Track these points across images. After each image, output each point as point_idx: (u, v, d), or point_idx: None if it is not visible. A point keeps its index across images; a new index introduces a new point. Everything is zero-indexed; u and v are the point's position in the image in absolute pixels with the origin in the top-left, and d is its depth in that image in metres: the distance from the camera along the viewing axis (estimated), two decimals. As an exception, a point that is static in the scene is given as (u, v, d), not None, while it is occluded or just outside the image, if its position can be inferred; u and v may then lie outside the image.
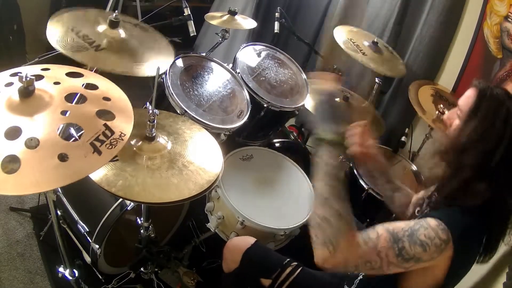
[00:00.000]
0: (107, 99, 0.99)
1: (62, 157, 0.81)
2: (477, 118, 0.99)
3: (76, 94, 0.96)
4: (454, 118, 1.07)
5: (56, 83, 0.96)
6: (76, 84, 1.00)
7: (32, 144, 0.81)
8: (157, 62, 1.43)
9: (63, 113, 0.89)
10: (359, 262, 0.91)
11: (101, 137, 0.87)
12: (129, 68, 1.35)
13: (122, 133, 0.90)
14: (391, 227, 0.94)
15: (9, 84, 0.91)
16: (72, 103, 0.93)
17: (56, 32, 1.28)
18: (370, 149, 1.28)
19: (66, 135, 0.90)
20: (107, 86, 1.04)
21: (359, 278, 1.23)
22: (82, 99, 0.95)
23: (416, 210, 1.18)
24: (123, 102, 1.01)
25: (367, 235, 0.93)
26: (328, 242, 0.90)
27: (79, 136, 0.87)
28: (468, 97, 1.04)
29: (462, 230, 0.93)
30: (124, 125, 0.93)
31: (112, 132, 0.89)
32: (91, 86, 1.01)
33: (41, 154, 0.80)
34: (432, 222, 0.92)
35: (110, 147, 0.86)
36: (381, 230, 0.94)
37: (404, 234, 0.92)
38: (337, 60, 2.14)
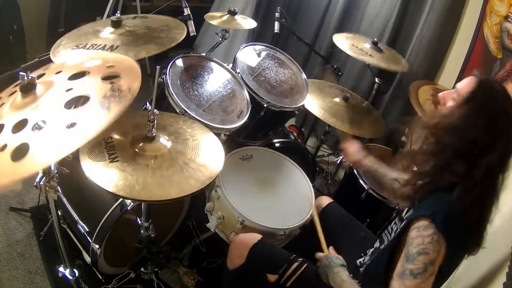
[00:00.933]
0: (110, 66, 0.99)
1: (70, 125, 0.82)
2: (470, 105, 1.02)
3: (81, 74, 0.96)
4: (449, 99, 1.10)
5: (58, 72, 0.98)
6: (78, 64, 1.02)
7: (38, 126, 0.83)
8: (174, 32, 1.48)
9: (68, 90, 0.90)
10: None
11: (109, 94, 0.88)
12: (157, 45, 1.38)
13: (130, 88, 0.91)
14: (394, 275, 1.01)
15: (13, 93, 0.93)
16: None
17: (65, 56, 1.29)
18: (363, 162, 1.58)
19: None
20: (108, 56, 1.05)
21: (361, 269, 1.25)
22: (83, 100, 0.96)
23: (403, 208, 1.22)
24: (127, 62, 1.02)
25: None
26: None
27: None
28: (467, 84, 1.06)
29: (443, 214, 0.96)
30: (130, 80, 0.93)
31: (120, 88, 0.90)
32: (93, 61, 1.03)
33: (48, 130, 0.82)
34: (411, 233, 0.99)
35: (120, 101, 0.87)
36: (393, 285, 1.00)
37: (403, 264, 0.98)
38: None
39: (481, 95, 1.02)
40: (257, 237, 1.40)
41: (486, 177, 0.99)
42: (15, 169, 0.76)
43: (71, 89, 0.90)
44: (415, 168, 1.13)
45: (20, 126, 0.83)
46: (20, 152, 0.79)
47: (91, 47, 1.33)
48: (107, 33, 1.42)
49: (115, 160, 1.11)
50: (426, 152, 1.09)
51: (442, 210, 0.97)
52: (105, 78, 0.94)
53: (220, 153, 1.29)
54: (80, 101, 0.89)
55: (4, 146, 0.80)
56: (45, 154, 0.79)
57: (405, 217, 1.13)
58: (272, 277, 1.30)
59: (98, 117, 0.83)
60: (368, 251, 1.35)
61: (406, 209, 1.20)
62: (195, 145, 1.28)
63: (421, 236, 0.96)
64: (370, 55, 2.21)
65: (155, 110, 1.17)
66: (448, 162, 1.02)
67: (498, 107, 1.00)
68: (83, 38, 1.40)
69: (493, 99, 1.01)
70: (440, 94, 1.15)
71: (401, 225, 1.10)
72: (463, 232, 1.00)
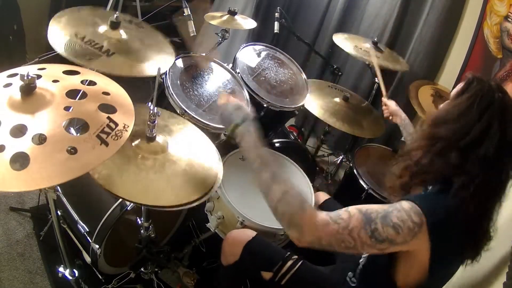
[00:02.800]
0: (106, 93, 1.00)
1: (71, 151, 0.83)
2: (461, 98, 1.03)
3: (78, 91, 0.97)
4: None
5: (55, 81, 0.98)
6: (75, 82, 1.01)
7: (40, 140, 0.82)
8: (160, 59, 1.46)
9: (66, 108, 0.90)
10: (333, 241, 0.91)
11: (106, 129, 0.90)
12: (140, 70, 1.37)
13: (125, 124, 0.93)
14: (364, 208, 0.95)
15: (8, 85, 0.92)
16: (74, 99, 0.94)
17: (60, 38, 1.28)
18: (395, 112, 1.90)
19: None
20: (104, 82, 1.06)
21: (358, 268, 1.24)
22: (83, 95, 0.96)
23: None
24: (122, 96, 1.03)
25: (338, 214, 0.93)
26: (292, 225, 0.92)
27: (82, 131, 0.89)
28: (458, 86, 1.09)
29: (438, 213, 0.94)
30: (126, 117, 0.95)
31: (116, 124, 0.92)
32: (89, 83, 1.03)
33: (50, 149, 0.81)
34: (405, 204, 0.94)
35: (116, 138, 0.89)
36: (354, 210, 0.94)
37: (377, 215, 0.92)
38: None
39: (471, 88, 1.03)
40: (251, 234, 1.38)
41: (486, 172, 0.97)
42: (13, 177, 0.76)
43: (70, 107, 0.91)
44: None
45: (19, 131, 0.83)
46: (20, 161, 0.78)
47: (88, 44, 1.32)
48: (102, 31, 1.41)
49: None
50: (419, 143, 1.09)
51: (440, 214, 0.94)
52: (102, 109, 0.95)
53: (217, 161, 1.30)
54: (79, 124, 0.90)
55: (2, 147, 0.80)
56: (44, 175, 0.78)
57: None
58: (267, 275, 1.30)
59: (98, 151, 0.85)
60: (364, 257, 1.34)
61: None
62: (194, 152, 1.29)
63: (409, 215, 0.91)
64: (376, 57, 2.21)
65: (158, 111, 1.17)
66: (441, 152, 1.01)
67: (488, 96, 1.00)
68: (82, 25, 1.37)
69: (483, 90, 1.01)
70: (439, 107, 1.17)
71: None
72: (456, 239, 0.98)
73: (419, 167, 1.05)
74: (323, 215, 0.93)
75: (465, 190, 0.96)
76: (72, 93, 0.95)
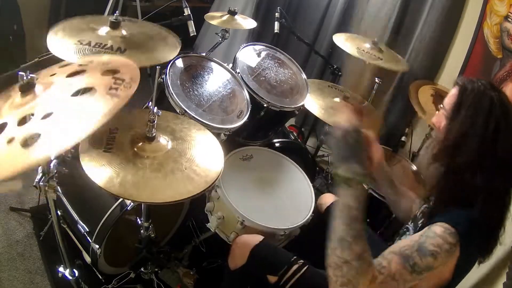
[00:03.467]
0: (106, 63, 1.02)
1: (82, 111, 0.84)
2: (461, 113, 1.01)
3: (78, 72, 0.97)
4: (441, 119, 1.09)
5: (52, 74, 0.99)
6: (72, 67, 1.03)
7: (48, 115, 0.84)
8: (167, 45, 1.49)
9: (70, 85, 0.92)
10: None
11: (114, 86, 0.91)
12: (155, 58, 1.39)
13: (131, 78, 0.94)
14: (397, 248, 0.94)
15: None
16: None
17: (66, 49, 1.27)
18: (379, 161, 1.28)
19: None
20: (102, 58, 1.07)
21: None
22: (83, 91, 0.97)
23: (419, 215, 1.17)
24: (122, 59, 1.05)
25: (380, 264, 0.92)
26: (348, 283, 0.87)
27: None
28: (450, 96, 1.07)
29: (467, 228, 0.93)
30: (130, 73, 0.97)
31: (123, 79, 0.93)
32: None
33: (58, 118, 0.83)
34: (438, 229, 0.93)
35: (128, 86, 0.90)
36: (391, 255, 0.93)
37: (412, 250, 0.92)
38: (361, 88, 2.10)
39: (466, 99, 1.01)
40: (259, 238, 1.40)
41: (503, 177, 0.97)
42: (26, 155, 0.77)
43: (73, 84, 0.92)
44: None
45: (25, 120, 0.85)
46: (31, 141, 0.80)
47: (97, 46, 1.32)
48: (107, 33, 1.41)
49: (108, 150, 1.12)
50: (443, 181, 1.05)
51: (468, 226, 0.94)
52: (105, 74, 0.96)
53: (219, 155, 1.29)
54: (86, 92, 0.90)
55: (12, 139, 0.81)
56: (61, 138, 0.80)
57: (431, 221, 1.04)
58: (272, 279, 1.30)
59: (108, 102, 0.85)
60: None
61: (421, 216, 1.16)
62: (195, 146, 1.28)
63: (444, 239, 0.91)
64: (380, 58, 2.21)
65: (158, 111, 1.17)
66: (465, 180, 0.98)
67: (487, 100, 0.99)
68: (80, 34, 1.38)
69: (479, 97, 1.00)
70: (432, 120, 1.13)
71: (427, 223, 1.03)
72: (478, 247, 0.99)
73: (448, 202, 1.02)
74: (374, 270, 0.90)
75: (488, 203, 0.96)
76: (73, 75, 0.97)
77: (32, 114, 0.85)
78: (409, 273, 0.91)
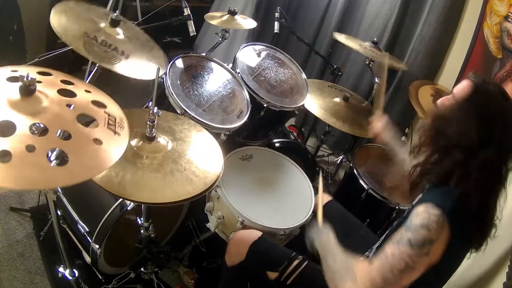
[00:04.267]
0: (87, 91, 1.02)
1: (97, 141, 0.87)
2: (466, 107, 1.04)
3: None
4: (446, 101, 1.13)
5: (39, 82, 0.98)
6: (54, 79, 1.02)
7: (65, 135, 0.85)
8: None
9: (68, 106, 0.92)
10: (384, 274, 0.94)
11: (111, 122, 0.94)
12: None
13: (120, 117, 0.98)
14: (391, 238, 1.00)
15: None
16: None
17: (74, 38, 1.27)
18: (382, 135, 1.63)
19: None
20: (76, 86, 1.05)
21: None
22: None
23: None
24: (101, 94, 1.05)
25: (378, 255, 0.99)
26: (347, 277, 0.99)
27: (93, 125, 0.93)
28: (463, 88, 1.08)
29: (451, 204, 0.96)
30: (115, 111, 1.00)
31: (114, 117, 0.96)
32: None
33: (77, 142, 0.84)
34: (419, 209, 0.98)
35: (121, 128, 0.94)
36: (386, 246, 0.99)
37: (403, 232, 0.97)
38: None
39: (476, 100, 1.03)
40: (257, 234, 1.39)
41: (485, 167, 0.99)
42: (58, 172, 0.78)
43: (71, 105, 0.92)
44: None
45: (40, 131, 0.84)
46: (59, 159, 0.83)
47: (103, 44, 1.32)
48: (104, 27, 1.41)
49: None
50: (425, 140, 1.11)
51: (449, 202, 0.97)
52: (95, 104, 0.97)
53: (219, 156, 1.29)
54: (89, 121, 0.93)
55: (31, 147, 0.79)
56: (82, 168, 0.82)
57: (411, 205, 1.14)
58: (272, 275, 1.30)
59: (117, 140, 0.90)
60: (369, 250, 1.35)
61: (407, 208, 1.20)
62: (195, 147, 1.28)
63: (427, 213, 0.95)
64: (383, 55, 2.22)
65: (158, 111, 1.17)
66: (446, 149, 1.03)
67: (494, 108, 1.01)
68: (86, 24, 1.37)
69: (489, 103, 1.02)
70: (438, 101, 1.17)
71: (406, 212, 1.10)
72: (467, 226, 1.00)
73: (428, 166, 1.08)
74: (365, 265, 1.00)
75: (465, 181, 0.99)
76: (65, 93, 0.96)
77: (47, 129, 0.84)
78: (408, 248, 0.93)
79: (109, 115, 0.95)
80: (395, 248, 0.96)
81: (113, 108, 1.01)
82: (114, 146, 0.89)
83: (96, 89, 1.06)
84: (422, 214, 0.96)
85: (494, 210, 1.04)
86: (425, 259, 0.95)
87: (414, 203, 1.13)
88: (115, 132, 0.92)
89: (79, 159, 0.82)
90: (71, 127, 0.86)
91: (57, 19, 1.29)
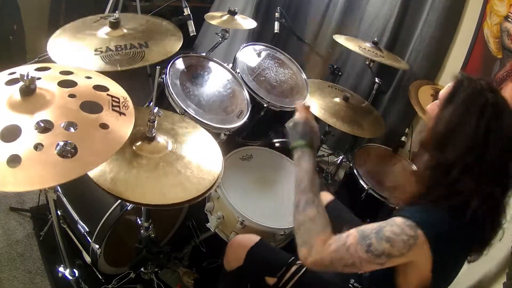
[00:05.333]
0: (88, 77, 1.02)
1: (104, 126, 0.88)
2: (452, 104, 1.00)
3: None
4: (434, 107, 1.08)
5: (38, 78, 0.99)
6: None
7: (70, 126, 0.86)
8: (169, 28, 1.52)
9: (71, 96, 0.92)
10: (333, 260, 0.95)
11: (115, 103, 0.95)
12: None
13: (123, 97, 0.98)
14: (361, 227, 0.99)
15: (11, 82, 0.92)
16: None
17: (90, 60, 1.26)
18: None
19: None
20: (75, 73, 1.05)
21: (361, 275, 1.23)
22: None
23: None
24: (102, 77, 1.06)
25: (339, 235, 0.98)
26: (306, 243, 0.99)
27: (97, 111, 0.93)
28: (446, 87, 1.06)
29: (436, 224, 0.93)
30: (119, 91, 1.00)
31: (118, 98, 0.97)
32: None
33: (84, 131, 0.85)
34: (398, 220, 0.95)
35: (126, 108, 0.95)
36: (352, 231, 0.98)
37: (371, 231, 0.95)
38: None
39: (460, 91, 1.00)
40: (255, 239, 1.37)
41: (494, 182, 0.95)
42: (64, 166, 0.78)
43: (74, 95, 0.92)
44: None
45: (46, 127, 0.84)
46: (68, 152, 0.83)
47: (120, 48, 1.31)
48: (107, 34, 1.40)
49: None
50: (430, 171, 1.03)
51: (435, 224, 0.94)
52: (97, 88, 0.97)
53: (219, 158, 1.29)
54: (92, 106, 0.92)
55: (39, 145, 0.79)
56: (95, 155, 0.82)
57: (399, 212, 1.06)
58: (270, 280, 1.28)
59: (122, 121, 0.91)
60: None
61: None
62: (195, 149, 1.28)
63: (402, 229, 0.92)
64: (382, 56, 2.22)
65: (160, 111, 1.17)
66: (454, 180, 0.96)
67: (482, 99, 0.96)
68: (90, 41, 1.36)
69: (475, 93, 0.98)
70: (427, 107, 1.14)
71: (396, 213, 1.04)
72: (461, 242, 0.98)
73: (431, 196, 1.00)
74: (332, 238, 0.98)
75: (481, 208, 0.93)
76: (66, 84, 0.97)
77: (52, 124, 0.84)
78: (364, 252, 0.93)
79: (112, 96, 0.96)
80: (355, 242, 0.94)
81: (116, 89, 1.01)
82: (122, 127, 0.90)
83: (96, 74, 1.06)
84: (395, 227, 0.93)
85: (500, 216, 1.00)
86: (376, 266, 0.95)
87: (399, 208, 1.08)
88: (120, 113, 0.92)
89: (89, 146, 0.83)
90: (76, 117, 0.87)
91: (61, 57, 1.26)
